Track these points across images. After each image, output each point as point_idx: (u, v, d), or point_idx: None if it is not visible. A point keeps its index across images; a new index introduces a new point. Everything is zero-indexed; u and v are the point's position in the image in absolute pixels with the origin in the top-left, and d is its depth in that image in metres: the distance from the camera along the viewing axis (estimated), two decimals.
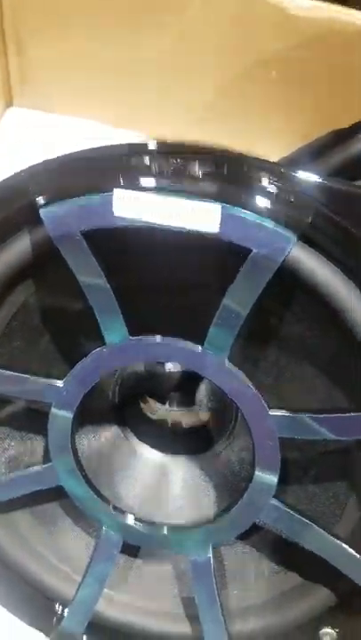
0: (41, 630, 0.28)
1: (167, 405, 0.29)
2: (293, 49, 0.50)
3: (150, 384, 0.29)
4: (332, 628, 0.25)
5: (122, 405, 0.30)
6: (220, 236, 0.19)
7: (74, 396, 0.24)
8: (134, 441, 0.29)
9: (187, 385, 0.29)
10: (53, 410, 0.24)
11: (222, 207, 0.19)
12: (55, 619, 0.28)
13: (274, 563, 0.27)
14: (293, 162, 0.45)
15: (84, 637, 0.27)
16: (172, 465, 0.29)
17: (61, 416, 0.25)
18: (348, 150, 0.42)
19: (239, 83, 0.53)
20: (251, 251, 0.19)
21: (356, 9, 0.47)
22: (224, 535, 0.25)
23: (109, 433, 0.29)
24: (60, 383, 0.24)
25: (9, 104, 0.55)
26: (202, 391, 0.29)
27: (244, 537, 0.27)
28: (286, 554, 0.27)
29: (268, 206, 0.19)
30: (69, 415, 0.25)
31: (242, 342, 0.23)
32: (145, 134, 0.54)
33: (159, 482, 0.28)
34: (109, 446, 0.29)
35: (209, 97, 0.53)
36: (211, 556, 0.25)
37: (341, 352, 0.22)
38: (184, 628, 0.27)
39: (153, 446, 0.29)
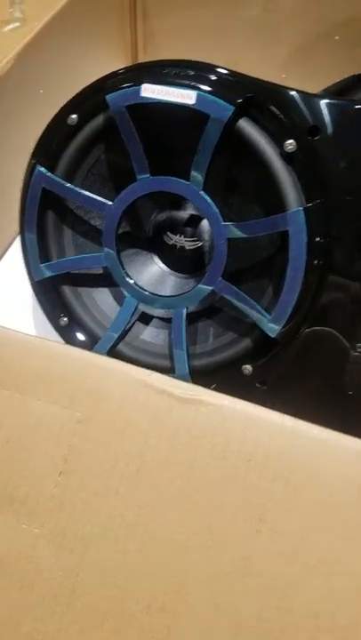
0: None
1: (178, 236, 0.46)
2: (351, 18, 0.63)
3: (171, 222, 0.47)
4: (250, 364, 0.41)
5: (153, 237, 0.48)
6: (194, 107, 0.36)
7: (118, 210, 0.43)
8: (155, 259, 0.48)
9: (191, 224, 0.46)
10: (106, 215, 0.43)
11: (197, 92, 0.36)
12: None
13: (222, 328, 0.43)
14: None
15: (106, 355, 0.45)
16: (172, 274, 0.47)
17: (110, 220, 0.43)
18: None
19: (310, 45, 0.67)
20: (210, 116, 0.36)
21: None
22: (192, 300, 0.42)
23: (142, 253, 0.48)
24: (111, 202, 0.43)
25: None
26: (200, 228, 0.46)
27: (207, 315, 0.45)
28: (229, 324, 0.43)
29: (220, 91, 0.36)
30: (115, 221, 0.43)
31: (210, 181, 0.39)
32: None
33: (162, 280, 0.47)
34: (138, 258, 0.47)
35: (285, 56, 0.68)
36: (184, 312, 0.42)
37: (264, 186, 0.38)
38: (166, 362, 0.44)
39: (165, 263, 0.47)
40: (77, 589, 0.30)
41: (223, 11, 0.67)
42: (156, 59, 0.76)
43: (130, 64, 0.74)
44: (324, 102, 0.35)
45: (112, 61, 0.72)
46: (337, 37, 0.65)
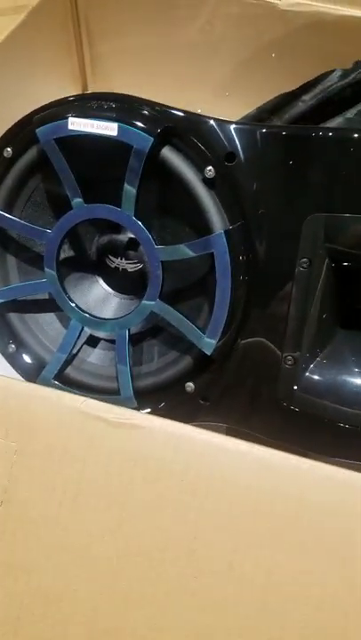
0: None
1: (120, 259, 0.47)
2: (286, 35, 0.65)
3: (112, 246, 0.48)
4: (192, 381, 0.43)
5: (97, 261, 0.49)
6: (117, 138, 0.37)
7: (57, 237, 0.44)
8: (100, 281, 0.49)
9: (132, 246, 0.47)
10: (46, 242, 0.44)
11: (118, 124, 0.37)
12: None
13: (165, 348, 0.45)
14: (253, 118, 0.60)
15: (54, 381, 0.46)
16: (116, 295, 0.48)
17: (50, 247, 0.44)
18: (293, 109, 0.59)
19: (249, 63, 0.69)
20: (132, 146, 0.37)
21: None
22: (133, 322, 0.43)
23: (86, 276, 0.49)
24: (50, 230, 0.44)
25: (85, 88, 0.75)
26: (141, 251, 0.47)
27: (152, 335, 0.46)
28: (171, 343, 0.45)
29: (140, 122, 0.37)
30: (54, 248, 0.44)
31: (141, 206, 0.41)
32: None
33: (108, 302, 0.48)
34: (83, 282, 0.48)
35: (226, 75, 0.71)
36: (127, 333, 0.43)
37: (191, 210, 0.39)
38: (113, 384, 0.45)
39: (109, 285, 0.48)
40: (22, 617, 0.31)
41: (163, 33, 0.69)
42: (105, 82, 0.79)
43: (80, 90, 0.75)
44: (237, 128, 0.37)
45: (62, 89, 0.73)
46: (273, 54, 0.67)
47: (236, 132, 0.37)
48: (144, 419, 0.33)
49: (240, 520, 0.31)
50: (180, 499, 0.32)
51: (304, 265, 0.37)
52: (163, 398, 0.45)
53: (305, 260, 0.37)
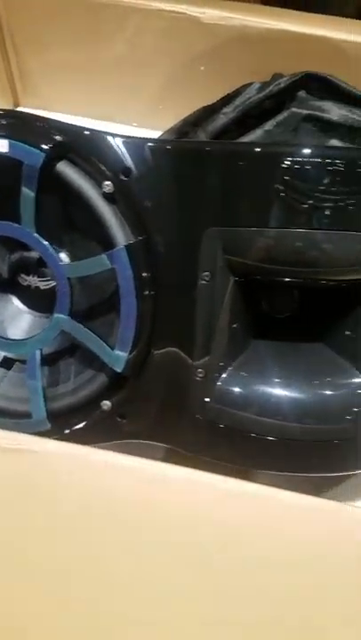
0: None
1: (32, 276, 0.46)
2: (212, 48, 0.66)
3: (24, 264, 0.46)
4: (108, 400, 0.42)
5: (10, 279, 0.48)
6: (9, 155, 0.37)
7: None
8: (14, 300, 0.48)
9: (43, 264, 0.46)
10: None
11: (8, 140, 0.36)
12: None
13: (81, 366, 0.43)
14: (177, 130, 0.60)
15: None
16: (31, 313, 0.47)
17: None
18: (215, 122, 0.59)
19: (178, 76, 0.70)
20: (23, 163, 0.37)
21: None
22: (44, 342, 0.42)
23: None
24: None
25: (16, 104, 0.74)
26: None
27: (69, 353, 0.45)
28: (87, 361, 0.43)
29: (30, 138, 0.37)
30: None
31: (43, 222, 0.40)
32: (117, 123, 0.71)
33: (21, 321, 0.46)
34: None
35: (157, 88, 0.71)
36: (38, 353, 0.42)
37: (94, 224, 0.39)
38: (25, 407, 0.44)
39: (24, 303, 0.47)
40: None
41: (92, 47, 0.68)
42: (36, 98, 0.78)
43: (11, 106, 0.74)
44: (126, 142, 0.36)
45: None
46: (202, 68, 0.67)
47: (126, 146, 0.36)
48: (36, 443, 0.31)
49: (140, 539, 0.30)
50: (79, 524, 0.30)
51: (206, 278, 0.37)
52: (81, 419, 0.44)
53: (206, 273, 0.37)
